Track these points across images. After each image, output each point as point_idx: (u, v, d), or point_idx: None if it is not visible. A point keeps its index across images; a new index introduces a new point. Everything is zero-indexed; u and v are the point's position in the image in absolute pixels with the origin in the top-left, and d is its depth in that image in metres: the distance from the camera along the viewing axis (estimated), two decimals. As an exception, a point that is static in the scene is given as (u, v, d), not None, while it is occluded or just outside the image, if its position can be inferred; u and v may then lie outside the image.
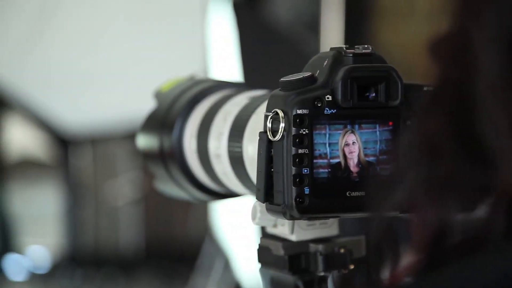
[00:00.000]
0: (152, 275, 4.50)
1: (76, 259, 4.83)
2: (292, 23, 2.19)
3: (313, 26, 2.03)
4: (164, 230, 4.67)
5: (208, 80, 0.94)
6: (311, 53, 0.78)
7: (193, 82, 0.94)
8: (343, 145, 0.71)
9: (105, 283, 4.43)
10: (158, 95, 0.97)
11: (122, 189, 4.81)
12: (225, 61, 2.59)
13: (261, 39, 2.30)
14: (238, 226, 2.90)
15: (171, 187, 0.93)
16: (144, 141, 0.97)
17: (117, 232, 4.88)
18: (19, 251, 4.90)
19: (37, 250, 5.01)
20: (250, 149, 0.78)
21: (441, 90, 0.56)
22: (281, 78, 0.73)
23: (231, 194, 0.89)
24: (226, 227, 3.21)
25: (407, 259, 0.56)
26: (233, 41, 2.41)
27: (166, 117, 0.92)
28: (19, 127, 5.20)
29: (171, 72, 1.14)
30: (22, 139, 5.89)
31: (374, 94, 0.71)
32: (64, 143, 4.88)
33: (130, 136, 4.66)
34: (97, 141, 4.89)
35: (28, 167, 6.74)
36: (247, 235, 2.60)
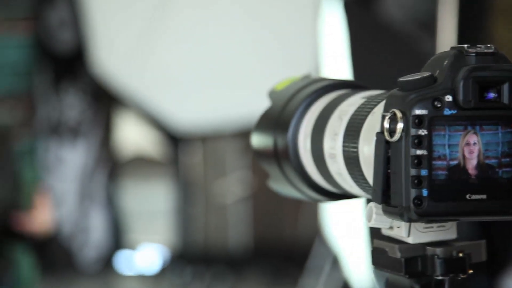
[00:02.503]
0: (260, 274, 4.51)
1: (186, 256, 4.89)
2: (405, 22, 2.16)
3: (428, 24, 1.99)
4: (272, 229, 4.68)
5: (323, 79, 0.93)
6: (426, 53, 0.77)
7: (307, 81, 0.94)
8: (463, 145, 0.69)
9: (214, 281, 4.47)
10: (272, 94, 0.97)
11: (231, 187, 4.85)
12: (337, 60, 2.58)
13: (373, 38, 2.28)
14: (348, 227, 2.88)
15: (285, 186, 0.93)
16: (258, 140, 0.97)
17: (226, 230, 4.92)
18: (131, 247, 4.99)
19: (149, 247, 5.10)
20: (366, 150, 0.77)
21: None
22: (397, 77, 0.72)
23: (345, 195, 0.89)
24: (336, 228, 3.20)
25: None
26: (345, 41, 2.40)
27: (281, 116, 0.92)
28: (133, 125, 5.31)
29: (284, 71, 1.13)
30: (135, 136, 6.00)
31: (496, 95, 0.70)
32: (175, 141, 4.96)
33: (239, 134, 4.69)
34: (208, 139, 4.94)
35: (140, 164, 6.86)
36: (357, 236, 2.58)
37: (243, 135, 4.66)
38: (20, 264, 2.68)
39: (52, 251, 4.65)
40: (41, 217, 2.54)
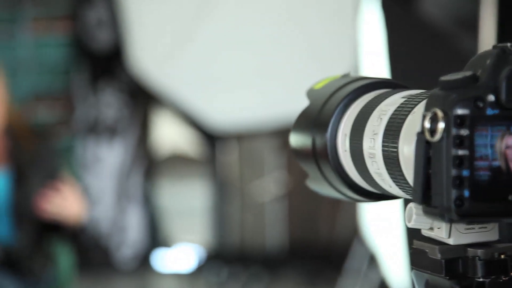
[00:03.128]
0: (296, 274, 4.50)
1: (222, 255, 4.89)
2: (445, 20, 2.14)
3: (469, 22, 1.97)
4: (308, 228, 4.67)
5: (362, 79, 0.92)
6: (467, 51, 0.76)
7: (346, 80, 0.93)
8: (503, 147, 0.68)
9: (250, 280, 4.47)
10: (311, 93, 0.96)
11: (267, 185, 4.85)
12: (376, 59, 2.56)
13: (412, 37, 2.26)
14: (386, 227, 2.86)
15: (323, 186, 0.92)
16: (296, 140, 0.97)
17: (262, 229, 4.91)
18: (167, 245, 5.01)
19: (185, 245, 5.12)
20: (406, 150, 0.76)
21: None
22: (437, 77, 0.71)
23: (384, 195, 0.88)
24: (374, 228, 3.18)
25: None
26: (384, 40, 2.38)
27: (319, 116, 0.91)
28: (169, 123, 5.33)
29: (323, 70, 1.13)
30: (172, 135, 6.02)
31: (540, 95, 0.68)
32: (211, 139, 4.97)
33: (276, 133, 4.69)
34: (244, 137, 4.95)
35: (177, 162, 6.89)
36: (395, 237, 2.57)
37: (279, 133, 4.65)
38: (58, 261, 2.70)
39: (90, 249, 4.69)
40: (74, 211, 2.55)
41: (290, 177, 4.75)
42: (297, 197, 4.83)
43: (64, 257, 2.73)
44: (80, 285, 4.41)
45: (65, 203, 2.53)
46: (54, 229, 2.58)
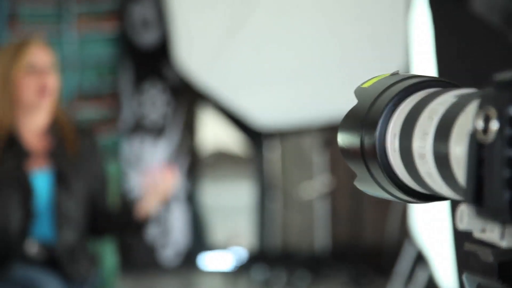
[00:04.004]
0: (340, 275, 4.48)
1: (265, 254, 4.89)
2: (496, 17, 2.11)
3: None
4: (353, 228, 4.65)
5: (412, 77, 0.91)
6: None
7: (396, 79, 0.92)
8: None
9: (292, 279, 4.45)
10: (359, 92, 0.95)
11: (311, 184, 4.83)
12: (426, 58, 2.53)
13: (462, 35, 2.23)
14: (434, 229, 2.83)
15: (372, 186, 0.91)
16: (344, 139, 0.96)
17: (305, 229, 4.90)
18: (211, 243, 5.02)
19: (229, 243, 5.12)
20: (458, 150, 0.75)
21: None
22: (489, 76, 0.70)
23: (434, 196, 0.86)
24: (424, 230, 3.15)
25: None
26: (433, 38, 2.35)
27: (368, 115, 0.90)
28: (214, 121, 5.33)
29: (372, 69, 1.12)
30: (216, 133, 6.03)
31: None
32: (256, 137, 4.97)
33: (320, 131, 4.67)
34: (288, 135, 4.94)
35: (221, 160, 6.90)
36: (443, 239, 2.53)
37: (324, 131, 4.63)
38: (103, 261, 2.71)
39: (134, 247, 4.71)
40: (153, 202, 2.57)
41: (334, 175, 4.73)
42: (342, 195, 4.81)
43: (108, 257, 2.74)
44: (124, 284, 4.44)
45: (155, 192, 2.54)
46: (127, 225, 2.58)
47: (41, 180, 2.55)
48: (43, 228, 2.54)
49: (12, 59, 2.55)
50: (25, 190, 2.51)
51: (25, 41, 2.59)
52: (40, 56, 2.57)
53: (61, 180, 2.54)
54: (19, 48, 2.57)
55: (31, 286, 2.41)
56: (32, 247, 2.53)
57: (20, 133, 2.57)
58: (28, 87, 2.55)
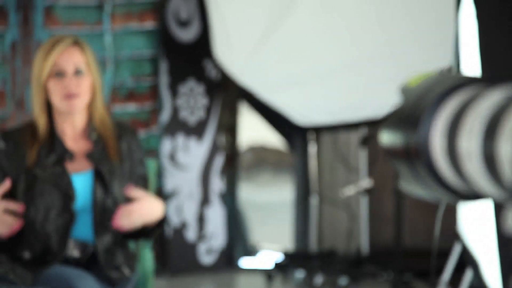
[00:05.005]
0: (378, 275, 4.44)
1: (303, 252, 4.88)
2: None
3: None
4: (390, 227, 4.61)
5: (458, 75, 0.89)
6: None
7: (442, 77, 0.90)
8: None
9: (330, 279, 4.43)
10: (405, 90, 0.94)
11: (350, 181, 4.81)
12: (474, 56, 2.49)
13: (508, 33, 2.19)
14: (483, 231, 2.78)
15: (416, 186, 0.90)
16: (388, 138, 0.95)
17: (344, 227, 4.87)
18: (249, 241, 5.02)
19: (266, 241, 5.12)
20: (506, 149, 0.74)
21: None
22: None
23: (482, 196, 0.85)
24: (472, 231, 3.10)
25: None
26: (479, 36, 2.32)
27: (413, 114, 0.89)
28: (254, 117, 5.33)
29: (415, 67, 1.11)
30: (256, 129, 6.03)
31: None
32: (295, 134, 4.96)
33: (361, 128, 4.65)
34: (327, 132, 4.92)
35: (262, 157, 6.90)
36: (490, 240, 2.49)
37: (363, 128, 4.61)
38: (142, 260, 2.71)
39: (172, 246, 4.72)
40: (153, 214, 2.52)
41: (373, 173, 4.71)
42: (382, 194, 4.78)
43: (146, 257, 2.74)
44: (162, 283, 4.46)
45: (142, 211, 2.49)
46: (138, 234, 2.57)
47: (81, 181, 2.55)
48: (83, 229, 2.54)
49: (41, 63, 2.55)
50: (66, 192, 2.51)
51: (55, 42, 2.57)
52: (68, 58, 2.54)
53: (100, 180, 2.53)
54: (48, 51, 2.55)
55: (69, 286, 2.41)
56: (73, 249, 2.53)
57: (59, 135, 2.58)
58: (55, 92, 2.54)
